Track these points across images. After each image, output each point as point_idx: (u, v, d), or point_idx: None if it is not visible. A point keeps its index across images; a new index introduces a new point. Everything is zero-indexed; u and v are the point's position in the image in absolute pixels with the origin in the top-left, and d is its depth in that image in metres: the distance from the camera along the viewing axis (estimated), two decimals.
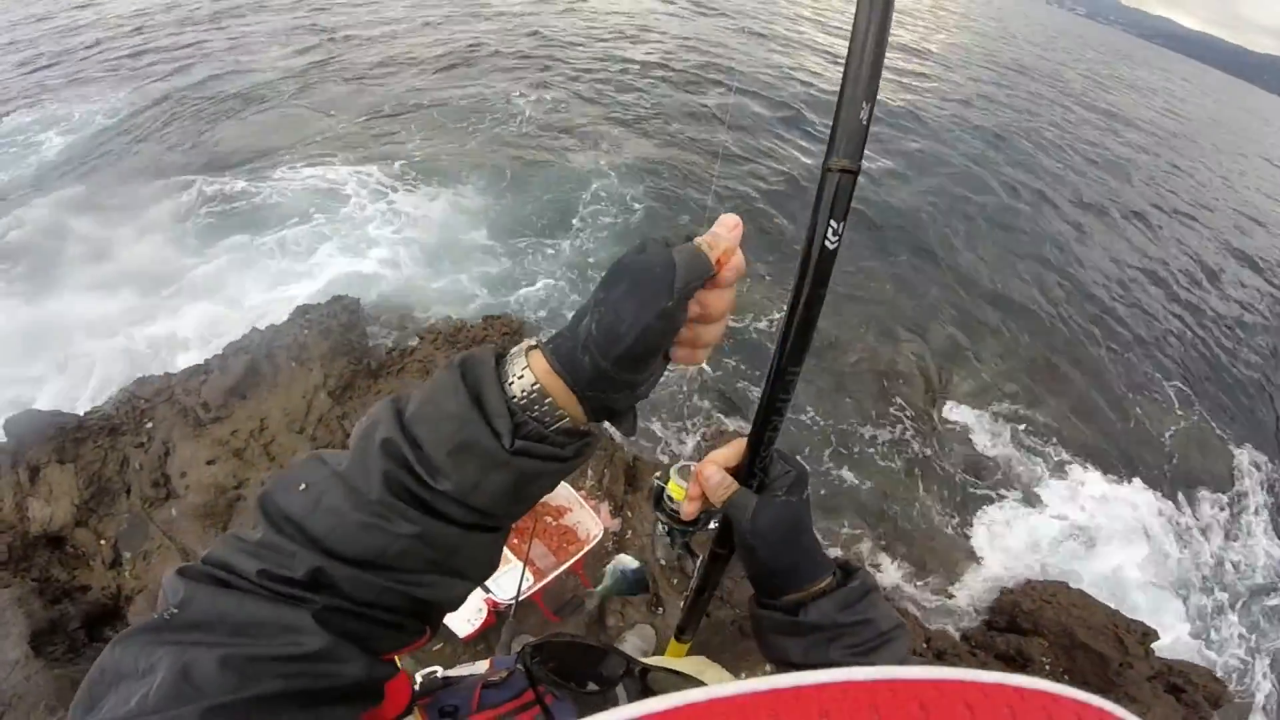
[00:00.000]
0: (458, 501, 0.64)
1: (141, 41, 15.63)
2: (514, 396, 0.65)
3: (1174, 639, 6.26)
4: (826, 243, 0.78)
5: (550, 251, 9.23)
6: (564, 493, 3.85)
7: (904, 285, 10.37)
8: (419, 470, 0.63)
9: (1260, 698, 5.90)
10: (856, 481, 6.86)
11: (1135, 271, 13.30)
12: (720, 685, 0.35)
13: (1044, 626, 5.23)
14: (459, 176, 10.52)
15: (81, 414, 4.96)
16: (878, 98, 0.77)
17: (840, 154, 0.76)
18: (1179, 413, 9.42)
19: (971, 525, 6.91)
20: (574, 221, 9.81)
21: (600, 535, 3.67)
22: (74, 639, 3.89)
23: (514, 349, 0.69)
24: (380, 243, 8.68)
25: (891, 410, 7.75)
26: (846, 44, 0.76)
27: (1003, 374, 9.06)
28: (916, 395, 8.03)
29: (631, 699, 0.86)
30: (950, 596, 5.98)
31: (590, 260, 9.02)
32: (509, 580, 3.34)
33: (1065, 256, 12.98)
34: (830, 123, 0.77)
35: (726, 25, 24.62)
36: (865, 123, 0.76)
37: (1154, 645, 5.05)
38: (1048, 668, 4.89)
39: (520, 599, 2.65)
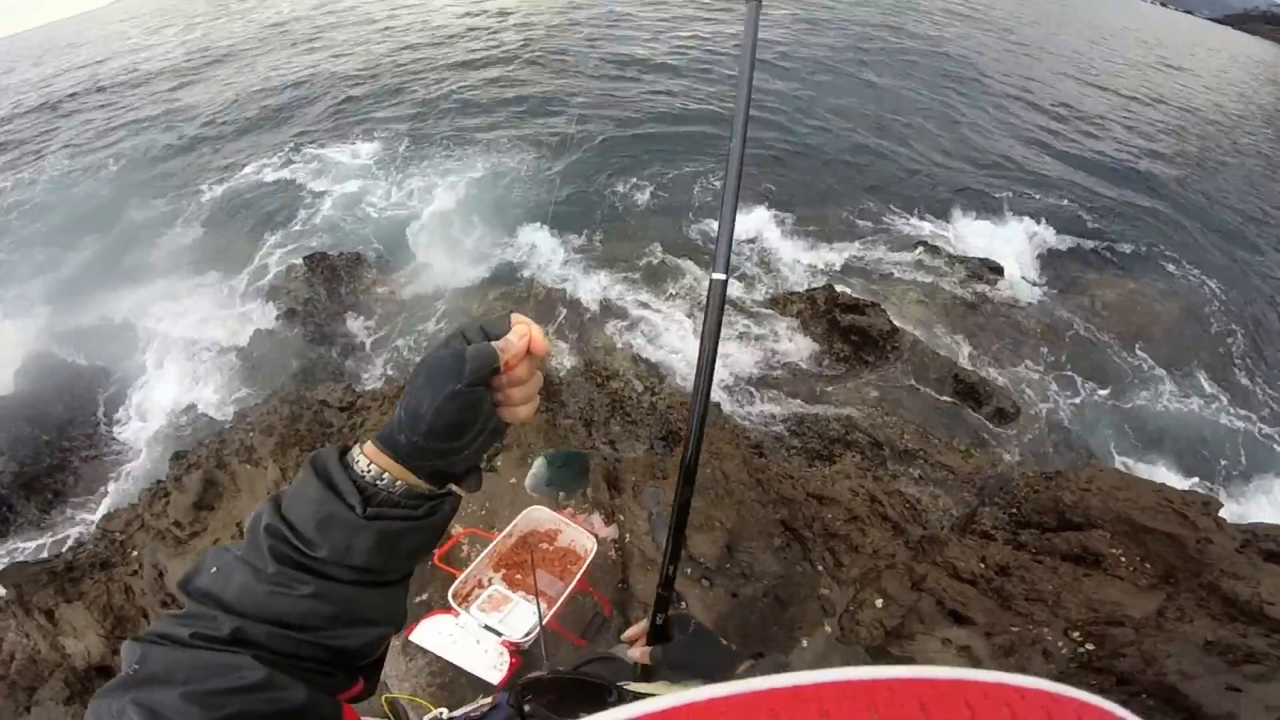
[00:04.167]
0: (337, 564, 0.75)
1: None
2: (361, 475, 0.78)
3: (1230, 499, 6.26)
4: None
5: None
6: (546, 517, 3.62)
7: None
8: (297, 544, 0.75)
9: None
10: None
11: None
12: (720, 685, 0.34)
13: (1096, 517, 4.58)
14: None
15: (68, 556, 4.83)
16: None
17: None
18: None
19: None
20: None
21: (595, 547, 3.43)
22: None
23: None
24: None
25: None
26: None
27: None
28: None
29: None
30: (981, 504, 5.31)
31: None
32: (519, 619, 3.18)
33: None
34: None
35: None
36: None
37: (1216, 510, 4.34)
38: (1124, 561, 4.14)
39: (540, 629, 2.59)
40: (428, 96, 14.13)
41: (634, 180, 10.83)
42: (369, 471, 0.77)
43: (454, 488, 0.86)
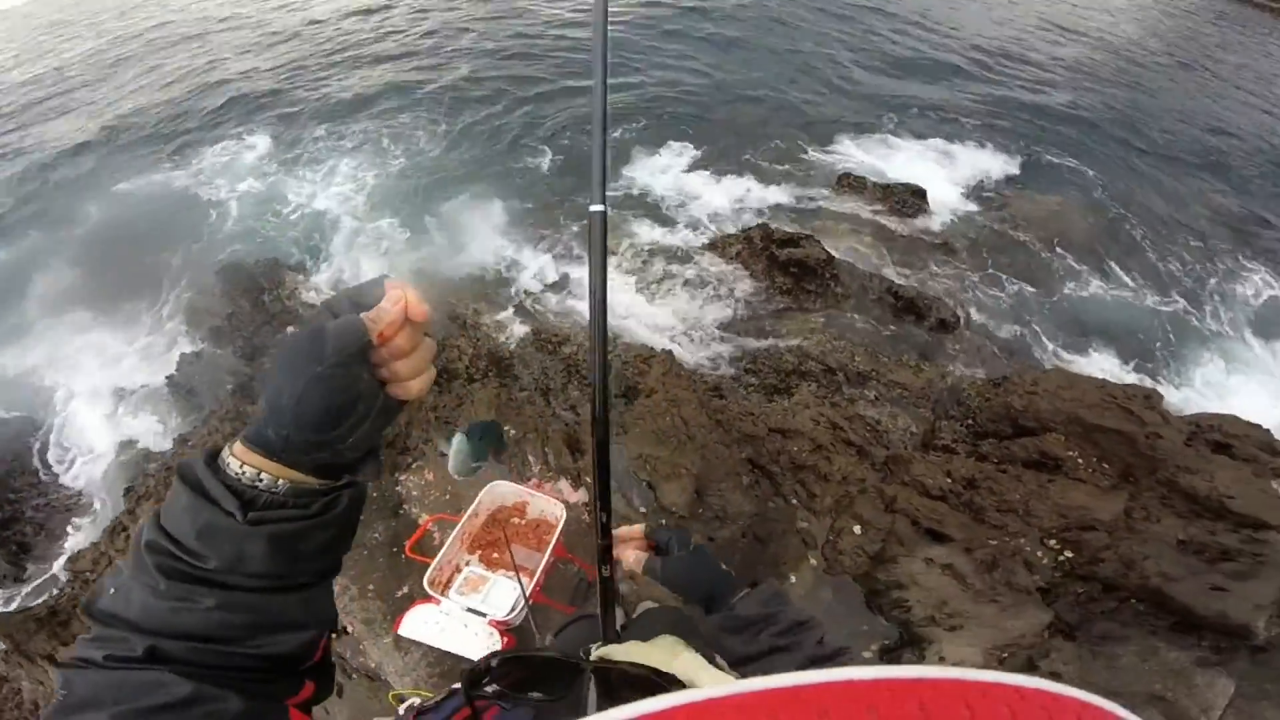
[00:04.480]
0: (233, 574, 0.68)
1: None
2: (235, 479, 0.69)
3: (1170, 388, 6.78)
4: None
5: None
6: (511, 490, 3.53)
7: None
8: (183, 557, 0.67)
9: None
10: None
11: None
12: (719, 685, 0.34)
13: (1047, 419, 4.70)
14: None
15: (49, 601, 4.51)
16: None
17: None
18: None
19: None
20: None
21: (564, 514, 3.38)
22: None
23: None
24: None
25: None
26: None
27: None
28: None
29: (599, 700, 0.83)
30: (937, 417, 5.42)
31: None
32: (501, 597, 3.13)
33: None
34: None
35: None
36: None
37: (1159, 403, 4.55)
38: (1081, 463, 4.25)
39: (525, 603, 2.72)
40: (318, 87, 12.69)
41: (539, 137, 10.36)
42: (243, 474, 0.69)
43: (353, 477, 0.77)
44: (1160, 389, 6.57)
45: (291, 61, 13.97)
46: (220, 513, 0.67)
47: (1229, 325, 8.00)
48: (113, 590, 0.69)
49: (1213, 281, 8.63)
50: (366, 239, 8.30)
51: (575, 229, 8.20)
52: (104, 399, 6.59)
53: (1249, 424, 4.17)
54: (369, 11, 16.98)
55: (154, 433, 6.23)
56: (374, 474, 0.78)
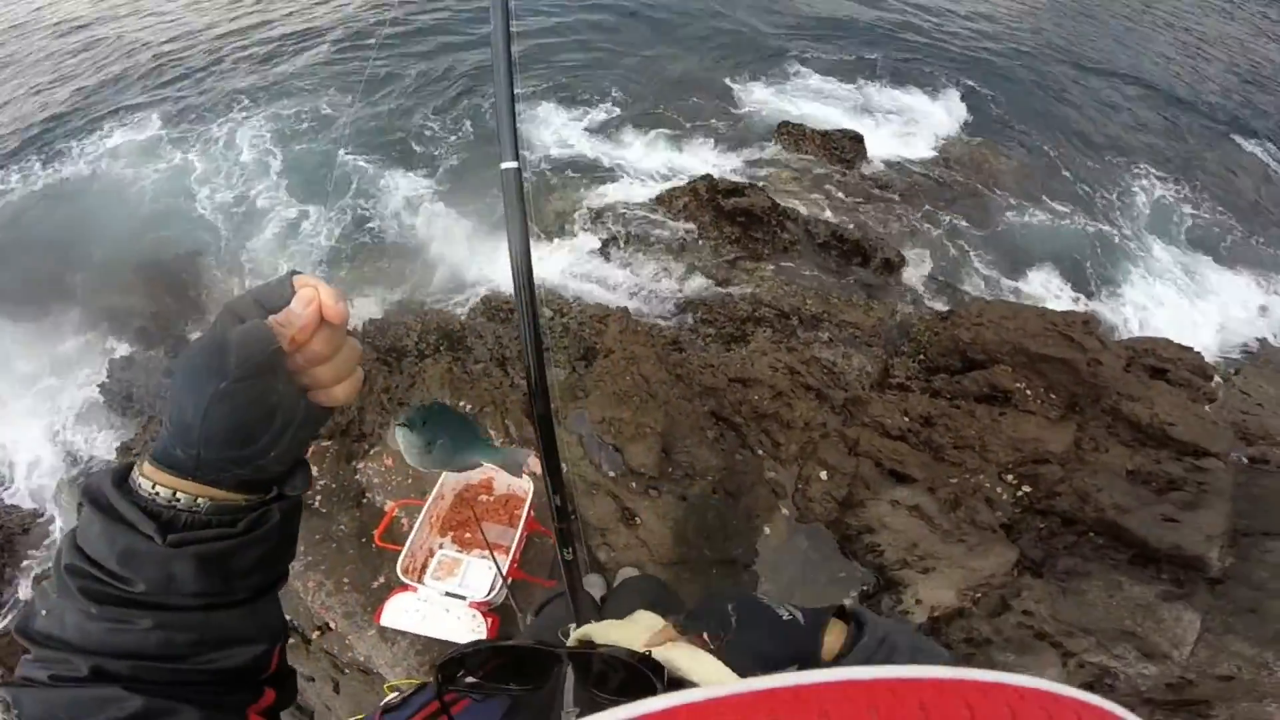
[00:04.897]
0: (167, 594, 0.63)
1: None
2: (148, 500, 0.63)
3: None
4: None
5: None
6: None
7: None
8: (109, 580, 0.62)
9: None
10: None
11: None
12: (719, 685, 0.33)
13: (994, 351, 4.81)
14: None
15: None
16: None
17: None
18: None
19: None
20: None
21: (532, 486, 3.34)
22: None
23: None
24: None
25: None
26: None
27: None
28: None
29: (576, 688, 0.79)
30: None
31: None
32: (478, 579, 3.09)
33: None
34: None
35: None
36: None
37: (1096, 328, 4.71)
38: (1029, 395, 4.40)
39: (504, 582, 2.71)
40: (203, 55, 11.24)
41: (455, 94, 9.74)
42: (157, 494, 0.63)
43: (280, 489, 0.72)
44: (1094, 306, 7.00)
45: (173, 27, 12.45)
46: (139, 536, 0.62)
47: (1137, 234, 8.69)
48: (44, 612, 0.64)
49: (1121, 196, 9.35)
50: (281, 221, 7.68)
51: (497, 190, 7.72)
52: (38, 414, 6.16)
53: (1181, 347, 4.39)
54: None
55: (97, 442, 5.89)
56: (303, 485, 0.73)
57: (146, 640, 0.62)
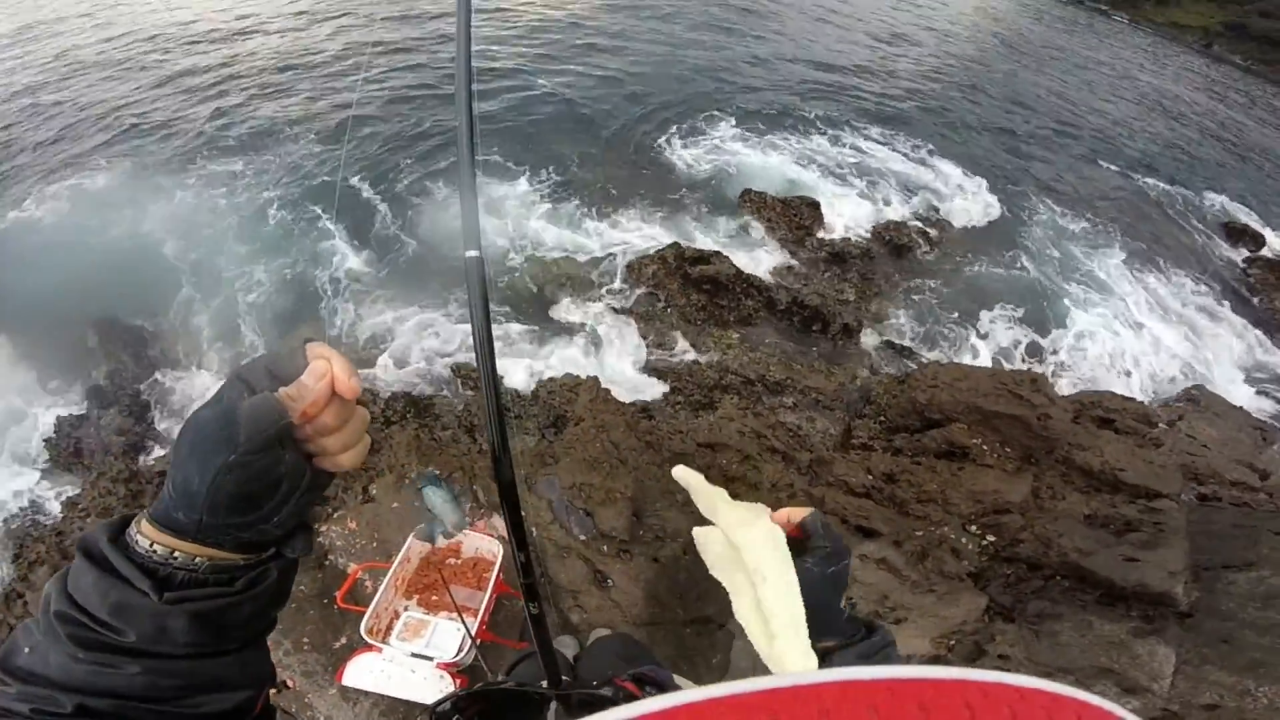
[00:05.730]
0: (157, 644, 0.63)
1: None
2: (145, 557, 0.62)
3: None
4: None
5: None
6: None
7: None
8: (99, 630, 0.61)
9: None
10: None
11: None
12: (719, 685, 0.33)
13: (949, 410, 4.98)
14: None
15: None
16: None
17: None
18: None
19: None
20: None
21: (501, 549, 3.35)
22: None
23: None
24: None
25: None
26: None
27: None
28: None
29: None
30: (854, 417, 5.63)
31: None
32: (445, 640, 3.06)
33: None
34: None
35: None
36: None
37: (1045, 386, 4.92)
38: (986, 450, 4.51)
39: (472, 643, 2.68)
40: (177, 107, 11.15)
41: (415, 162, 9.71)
42: (154, 552, 0.62)
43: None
44: (1046, 348, 7.32)
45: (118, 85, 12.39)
46: (133, 591, 0.61)
47: (1074, 277, 9.51)
48: (28, 649, 0.63)
49: (1058, 244, 10.28)
50: (246, 281, 7.42)
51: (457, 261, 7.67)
52: None
53: (1124, 398, 4.59)
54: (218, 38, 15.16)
55: (38, 497, 5.56)
56: (304, 549, 0.71)
57: (133, 683, 0.62)
